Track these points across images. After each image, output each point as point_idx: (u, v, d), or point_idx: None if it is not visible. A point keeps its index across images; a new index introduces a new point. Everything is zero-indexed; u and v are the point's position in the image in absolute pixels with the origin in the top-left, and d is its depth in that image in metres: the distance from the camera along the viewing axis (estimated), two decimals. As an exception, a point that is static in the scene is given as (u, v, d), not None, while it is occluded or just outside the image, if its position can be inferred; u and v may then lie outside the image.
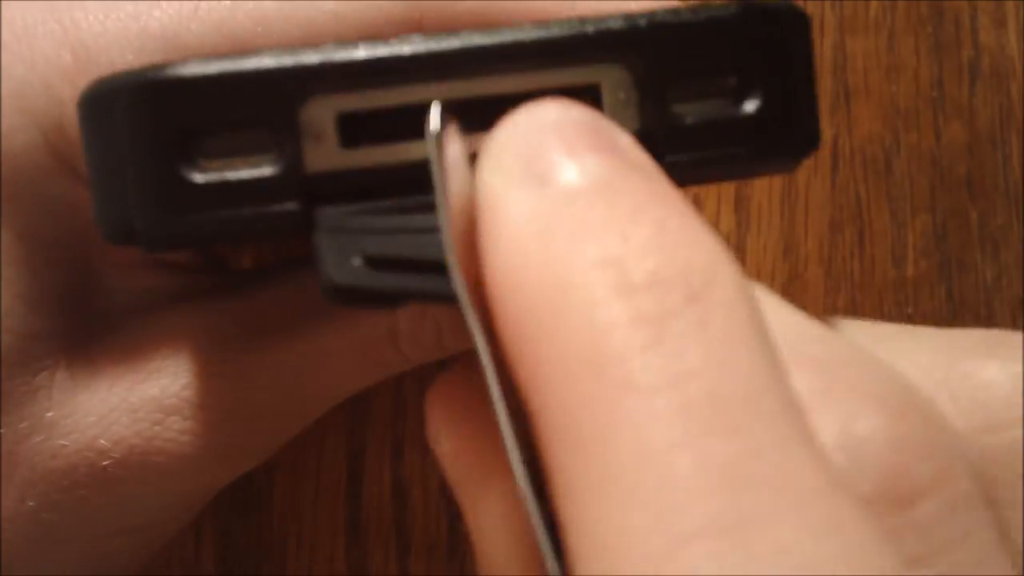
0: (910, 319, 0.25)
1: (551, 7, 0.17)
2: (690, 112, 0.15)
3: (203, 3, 0.17)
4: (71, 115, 0.17)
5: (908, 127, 0.25)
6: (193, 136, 0.14)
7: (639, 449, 0.10)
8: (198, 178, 0.14)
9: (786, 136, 0.15)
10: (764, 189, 0.25)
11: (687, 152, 0.15)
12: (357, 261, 0.14)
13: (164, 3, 0.17)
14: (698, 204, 0.25)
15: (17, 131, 0.17)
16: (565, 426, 0.11)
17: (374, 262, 0.14)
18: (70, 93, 0.17)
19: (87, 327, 0.19)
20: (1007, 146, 0.25)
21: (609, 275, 0.11)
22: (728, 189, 0.25)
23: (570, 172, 0.12)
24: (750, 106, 0.15)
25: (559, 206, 0.12)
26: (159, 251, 0.15)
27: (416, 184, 0.14)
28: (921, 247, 0.25)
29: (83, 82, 0.17)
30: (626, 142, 0.13)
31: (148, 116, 0.14)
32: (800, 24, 0.16)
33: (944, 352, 0.14)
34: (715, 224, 0.25)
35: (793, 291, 0.25)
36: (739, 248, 0.25)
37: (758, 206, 0.25)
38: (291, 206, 0.14)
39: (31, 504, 0.18)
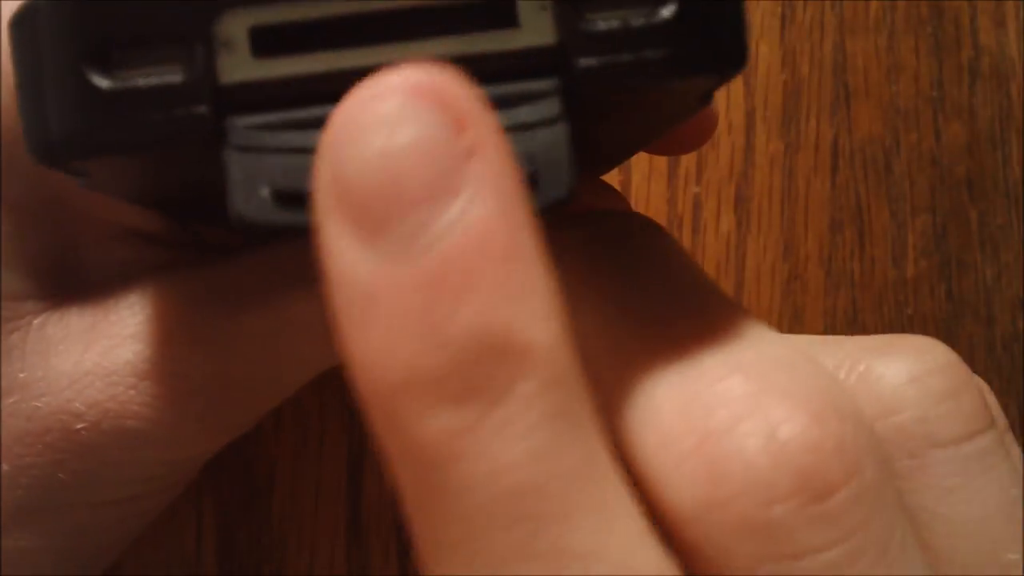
0: (910, 319, 0.25)
1: None
2: (605, 19, 0.15)
3: None
4: None
5: (908, 127, 0.25)
6: (106, 46, 0.15)
7: (464, 536, 0.12)
8: (106, 84, 0.14)
9: (706, 46, 0.15)
10: (764, 189, 0.25)
11: (600, 58, 0.15)
12: (265, 192, 0.14)
13: None
14: (698, 205, 0.25)
15: None
16: (410, 496, 0.12)
17: (281, 196, 0.14)
18: None
19: (62, 292, 0.19)
20: (1007, 146, 0.25)
21: (424, 385, 0.12)
22: (728, 189, 0.25)
23: (396, 238, 0.12)
24: (666, 11, 0.15)
25: (387, 279, 0.12)
26: (75, 160, 0.15)
27: (328, 96, 0.14)
28: (921, 247, 0.25)
29: None
30: (485, 152, 0.12)
31: (62, 26, 0.15)
32: None
33: (851, 354, 0.16)
34: (715, 224, 0.25)
35: (793, 291, 0.25)
36: (739, 248, 0.25)
37: (758, 206, 0.25)
38: (201, 110, 0.14)
39: (5, 468, 0.18)
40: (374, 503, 0.24)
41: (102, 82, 0.14)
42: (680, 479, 0.14)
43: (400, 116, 0.12)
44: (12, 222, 0.18)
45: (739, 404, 0.14)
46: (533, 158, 0.15)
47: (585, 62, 0.15)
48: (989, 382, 0.25)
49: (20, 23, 0.15)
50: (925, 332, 0.25)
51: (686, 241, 0.25)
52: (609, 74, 0.15)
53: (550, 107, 0.15)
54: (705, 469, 0.13)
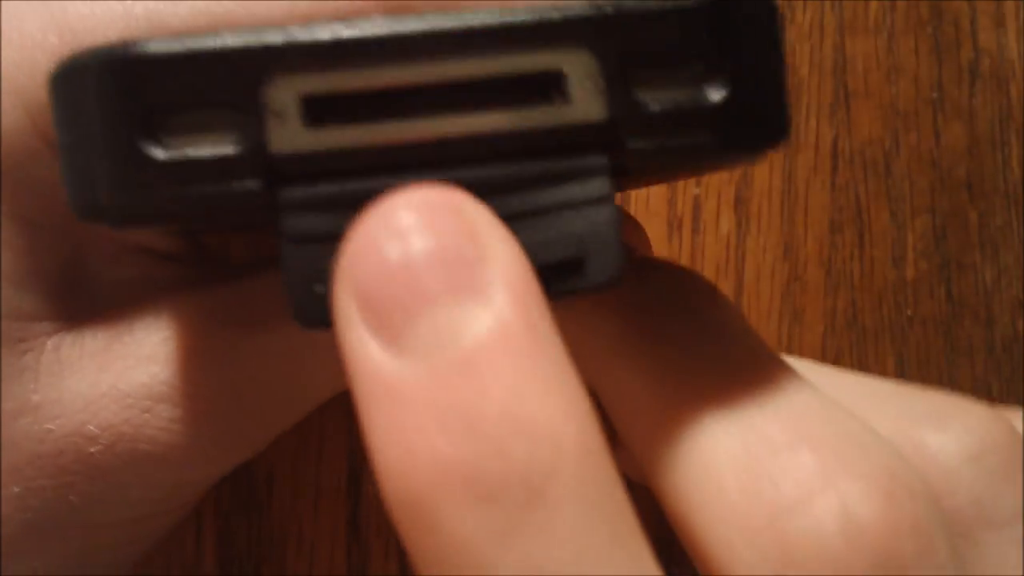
0: (910, 320, 0.25)
1: None
2: (655, 99, 0.15)
3: None
4: None
5: (908, 128, 0.25)
6: (157, 113, 0.14)
7: None
8: (160, 154, 0.14)
9: (753, 126, 0.15)
10: (764, 190, 0.25)
11: (650, 139, 0.15)
12: (321, 289, 0.14)
13: None
14: (698, 205, 0.25)
15: (4, 112, 0.17)
16: None
17: None
18: None
19: (76, 311, 0.19)
20: (1007, 147, 0.25)
21: (455, 484, 0.12)
22: (728, 190, 0.25)
23: (419, 338, 0.12)
24: (716, 95, 0.15)
25: (411, 379, 0.12)
26: (124, 227, 0.15)
27: (382, 167, 0.14)
28: (921, 248, 0.25)
29: None
30: (493, 263, 0.13)
31: (113, 92, 0.14)
32: (770, 12, 0.15)
33: (904, 419, 0.16)
34: (715, 225, 0.25)
35: (793, 292, 0.25)
36: (739, 249, 0.25)
37: (758, 207, 0.25)
38: (252, 184, 0.14)
39: (16, 490, 0.18)
40: (374, 503, 0.24)
41: (156, 152, 0.14)
42: (751, 555, 0.13)
43: (415, 227, 0.13)
44: (26, 239, 0.18)
45: (809, 480, 0.13)
46: (581, 239, 0.15)
47: (636, 143, 0.15)
48: (989, 384, 0.25)
49: (65, 80, 0.15)
50: (924, 333, 0.25)
51: (686, 242, 0.25)
52: (659, 155, 0.15)
53: (599, 186, 0.15)
54: (778, 547, 0.13)
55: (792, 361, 0.16)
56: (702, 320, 0.16)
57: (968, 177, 0.25)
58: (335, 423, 0.24)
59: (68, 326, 0.18)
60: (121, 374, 0.18)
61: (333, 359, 0.19)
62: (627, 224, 0.22)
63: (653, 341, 0.16)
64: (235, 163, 0.14)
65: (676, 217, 0.25)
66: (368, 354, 0.12)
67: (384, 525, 0.24)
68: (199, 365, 0.18)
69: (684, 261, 0.25)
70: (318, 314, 0.14)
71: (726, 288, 0.25)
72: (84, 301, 0.19)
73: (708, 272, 0.25)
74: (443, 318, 0.12)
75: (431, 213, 0.13)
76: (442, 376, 0.12)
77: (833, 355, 0.25)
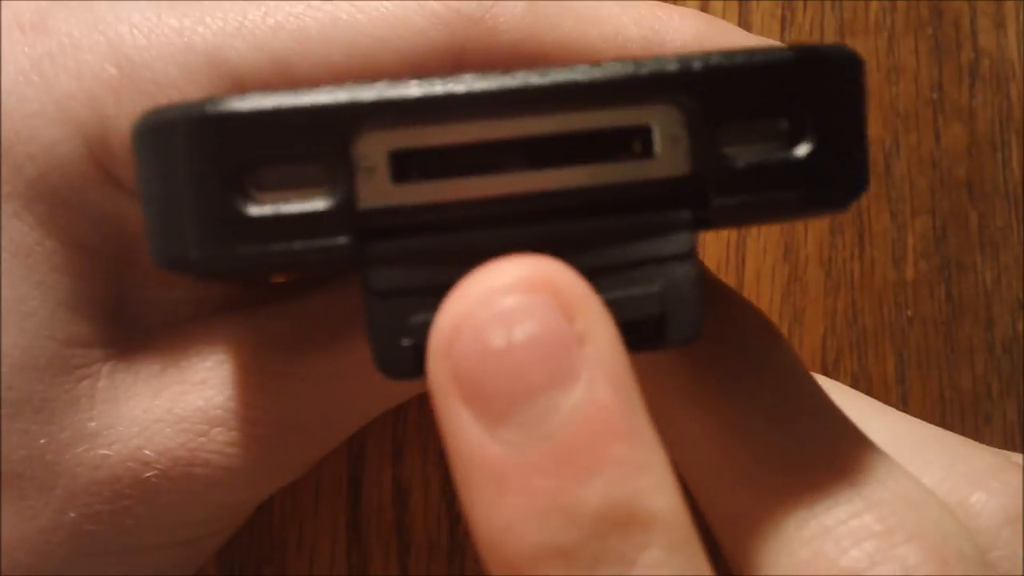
0: (910, 321, 0.25)
1: (593, 35, 0.18)
2: (741, 154, 0.15)
3: (247, 22, 0.17)
4: (114, 128, 0.17)
5: (908, 129, 0.25)
6: (247, 169, 0.14)
7: None
8: (253, 211, 0.14)
9: (836, 180, 0.15)
10: (764, 191, 0.25)
11: (736, 196, 0.15)
12: (407, 343, 0.14)
13: (208, 20, 0.17)
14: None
15: (61, 141, 0.17)
16: None
17: (420, 348, 0.14)
18: (114, 106, 0.17)
19: (130, 336, 0.19)
20: (1007, 148, 0.25)
21: (554, 560, 0.12)
22: (728, 191, 0.25)
23: (521, 423, 0.13)
24: (802, 150, 0.15)
25: (513, 462, 0.13)
26: (211, 280, 0.15)
27: (469, 221, 0.15)
28: (921, 249, 0.25)
29: (127, 96, 0.17)
30: (593, 353, 0.13)
31: (203, 149, 0.14)
32: (854, 67, 0.15)
33: (947, 475, 0.17)
34: (715, 225, 0.25)
35: (793, 293, 0.25)
36: (739, 249, 0.25)
37: (758, 208, 0.25)
38: (342, 240, 0.14)
39: (72, 515, 0.18)
40: (374, 503, 0.24)
41: (249, 208, 0.14)
42: None
43: (516, 312, 0.13)
44: (82, 265, 0.18)
45: (873, 545, 0.14)
46: (663, 297, 0.15)
47: (721, 200, 0.15)
48: (988, 384, 0.25)
49: (150, 136, 0.15)
50: (925, 334, 0.25)
51: (686, 242, 0.25)
52: (743, 210, 0.15)
53: (682, 241, 0.15)
54: None
55: (841, 392, 0.17)
56: (766, 373, 0.17)
57: (968, 177, 0.25)
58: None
59: (121, 352, 0.19)
60: (176, 399, 0.18)
61: (377, 381, 0.19)
62: None
63: (721, 398, 0.16)
64: (324, 219, 0.14)
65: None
66: (470, 436, 0.13)
67: (384, 525, 0.24)
68: (253, 388, 0.18)
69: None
70: (404, 365, 0.15)
71: (726, 288, 0.25)
72: (136, 326, 0.19)
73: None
74: (544, 403, 0.13)
75: (531, 295, 0.13)
76: (544, 462, 0.13)
77: (833, 355, 0.25)
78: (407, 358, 0.15)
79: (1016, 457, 0.18)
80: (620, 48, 0.18)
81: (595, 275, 0.14)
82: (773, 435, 0.16)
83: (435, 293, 0.14)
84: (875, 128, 0.25)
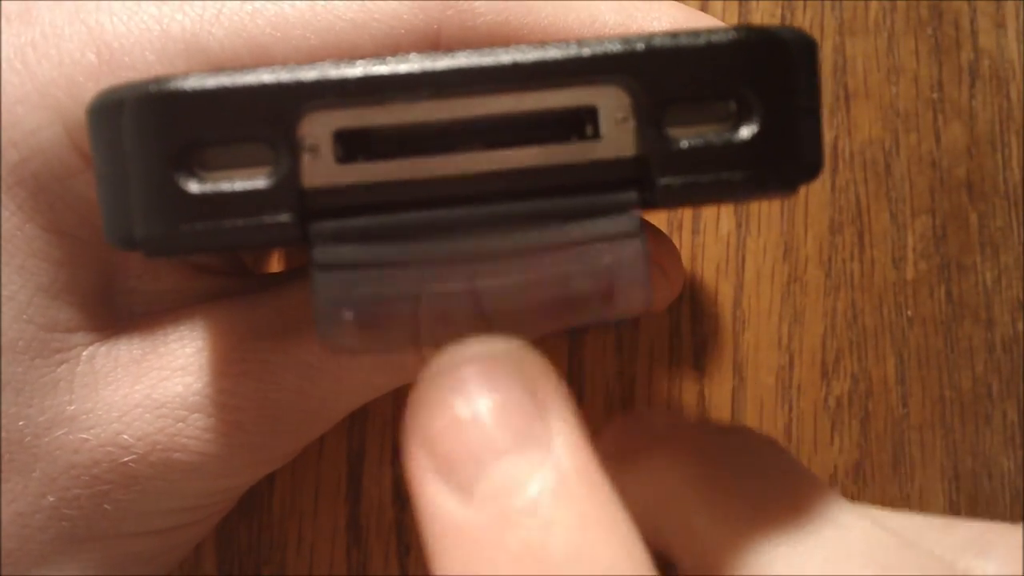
0: (910, 321, 0.25)
1: (570, 19, 0.18)
2: (686, 136, 0.15)
3: (225, 8, 0.17)
4: None
5: (908, 129, 0.25)
6: (192, 148, 0.14)
7: None
8: (194, 188, 0.14)
9: (783, 163, 0.15)
10: (764, 191, 0.25)
11: (680, 175, 0.15)
12: (348, 316, 0.15)
13: (187, 6, 0.17)
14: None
15: (43, 127, 0.17)
16: None
17: (364, 321, 0.15)
18: (93, 92, 0.17)
19: (112, 323, 0.19)
20: (1007, 148, 0.25)
21: None
22: (728, 191, 0.25)
23: (488, 487, 0.13)
24: (746, 132, 0.15)
25: (478, 525, 0.13)
26: (158, 257, 0.15)
27: (412, 203, 0.15)
28: (921, 249, 0.25)
29: (106, 82, 0.17)
30: (558, 433, 0.14)
31: (148, 127, 0.14)
32: (805, 49, 0.15)
33: (951, 546, 0.17)
34: (715, 226, 0.25)
35: (793, 293, 0.25)
36: (739, 250, 0.25)
37: (758, 208, 0.25)
38: (285, 218, 0.14)
39: (51, 499, 0.18)
40: (374, 503, 0.24)
41: (190, 186, 0.14)
42: None
43: (481, 384, 0.14)
44: (63, 252, 0.18)
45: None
46: (610, 272, 0.15)
47: (665, 180, 0.15)
48: (988, 384, 0.25)
49: (102, 114, 0.15)
50: (924, 333, 0.25)
51: (686, 243, 0.25)
52: (688, 192, 0.15)
53: (629, 221, 0.15)
54: None
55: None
56: (768, 472, 0.17)
57: (968, 178, 0.25)
58: (335, 425, 0.24)
59: (103, 337, 0.19)
60: (155, 384, 0.18)
61: (364, 369, 0.19)
62: (660, 242, 0.22)
63: (726, 493, 0.17)
64: (268, 196, 0.14)
65: (676, 218, 0.25)
66: (440, 501, 0.13)
67: (384, 525, 0.24)
68: (233, 375, 0.19)
69: (684, 262, 0.25)
70: (345, 339, 0.15)
71: (726, 289, 0.25)
72: (119, 312, 0.19)
73: (708, 273, 0.25)
74: (510, 468, 0.13)
75: (493, 370, 0.14)
76: (511, 521, 0.13)
77: (833, 356, 0.25)
78: (348, 331, 0.15)
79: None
80: (596, 34, 0.18)
81: (543, 252, 0.15)
82: (769, 519, 0.17)
83: (378, 268, 0.14)
84: (875, 128, 0.25)
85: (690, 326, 0.25)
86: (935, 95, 0.25)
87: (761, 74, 0.15)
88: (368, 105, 0.14)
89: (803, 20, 0.25)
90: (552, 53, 0.15)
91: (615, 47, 0.15)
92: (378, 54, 0.17)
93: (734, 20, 0.25)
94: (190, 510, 0.20)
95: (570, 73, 0.15)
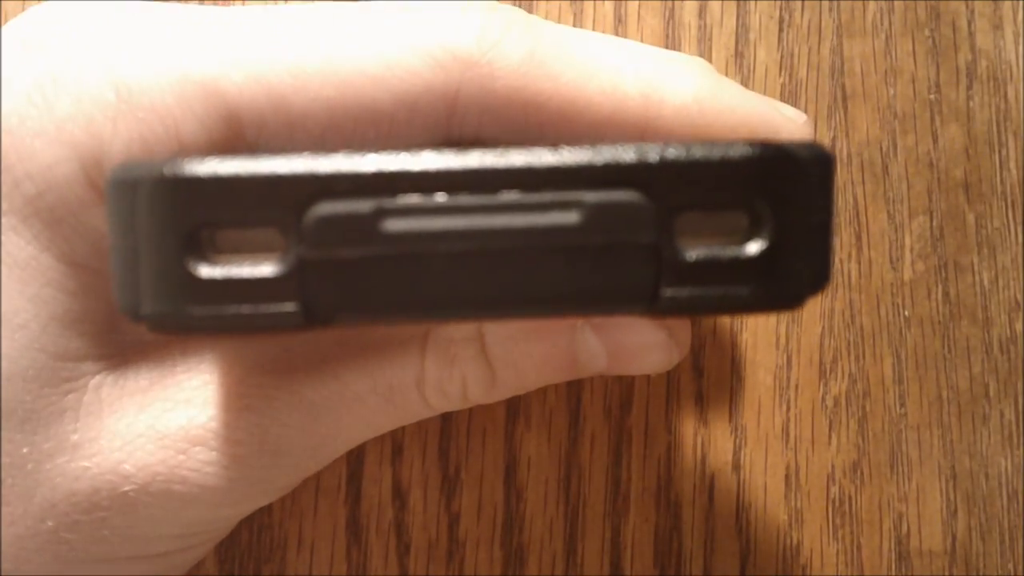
0: (907, 321, 0.25)
1: (591, 88, 0.18)
2: (695, 246, 0.15)
3: (244, 54, 0.17)
4: (109, 152, 0.17)
5: (905, 130, 0.25)
6: (203, 230, 0.15)
7: None
8: (204, 272, 0.14)
9: (791, 278, 0.15)
10: (762, 191, 0.25)
11: (686, 287, 0.15)
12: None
13: (208, 50, 0.17)
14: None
15: (60, 163, 0.17)
16: None
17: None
18: (110, 131, 0.17)
19: (119, 354, 0.19)
20: (1004, 149, 0.25)
21: None
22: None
23: None
24: (754, 247, 0.15)
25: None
26: (162, 334, 0.16)
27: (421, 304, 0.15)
28: (918, 249, 0.25)
29: (122, 122, 0.17)
30: None
31: (160, 209, 0.15)
32: (822, 165, 0.15)
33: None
34: (713, 226, 0.25)
35: (791, 293, 0.25)
36: (737, 250, 0.25)
37: (756, 208, 0.25)
38: (290, 308, 0.15)
39: (50, 524, 0.18)
40: (374, 503, 0.24)
41: (200, 269, 0.14)
42: None
43: None
44: (78, 282, 0.18)
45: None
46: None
47: (671, 292, 0.15)
48: (986, 384, 0.25)
49: (119, 188, 0.15)
50: (922, 333, 0.25)
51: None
52: (691, 304, 0.15)
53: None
54: None
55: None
56: None
57: (965, 178, 0.25)
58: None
59: (111, 366, 0.19)
60: (159, 416, 0.18)
61: (368, 410, 0.19)
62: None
63: None
64: (274, 284, 0.15)
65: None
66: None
67: (384, 525, 0.24)
68: (236, 410, 0.19)
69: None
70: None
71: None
72: (127, 343, 0.19)
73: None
74: None
75: None
76: None
77: (831, 356, 0.25)
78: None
79: None
80: (617, 104, 0.18)
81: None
82: None
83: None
84: (872, 129, 0.25)
85: (689, 326, 0.25)
86: (933, 96, 0.25)
87: (774, 190, 0.15)
88: (379, 197, 0.14)
89: (801, 21, 0.25)
90: (565, 158, 0.14)
91: (628, 156, 0.14)
92: (395, 113, 0.17)
93: (732, 22, 0.25)
94: (188, 536, 0.20)
95: (580, 179, 0.14)
